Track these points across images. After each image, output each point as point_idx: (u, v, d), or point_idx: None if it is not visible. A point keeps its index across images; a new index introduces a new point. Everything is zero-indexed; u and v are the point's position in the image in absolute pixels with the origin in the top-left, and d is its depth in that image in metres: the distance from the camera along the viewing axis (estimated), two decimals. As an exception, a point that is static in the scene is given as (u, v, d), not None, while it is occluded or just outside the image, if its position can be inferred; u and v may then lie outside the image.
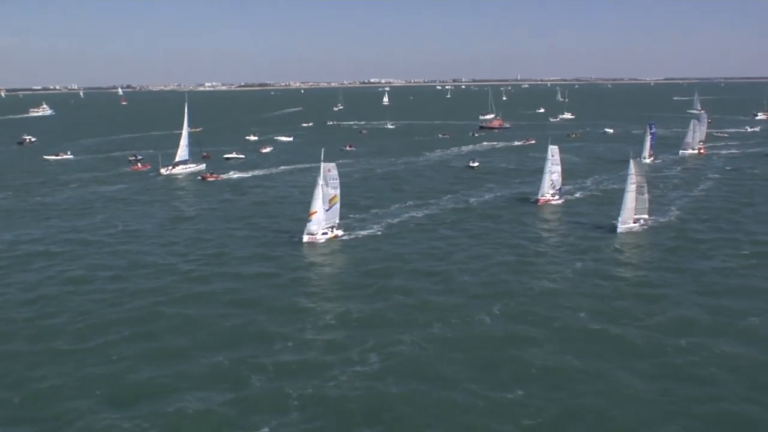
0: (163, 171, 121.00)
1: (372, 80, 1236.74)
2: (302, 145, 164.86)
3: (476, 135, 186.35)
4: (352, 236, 71.71)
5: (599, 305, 49.14)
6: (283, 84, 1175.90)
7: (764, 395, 35.49)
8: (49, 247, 68.02)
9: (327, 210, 71.69)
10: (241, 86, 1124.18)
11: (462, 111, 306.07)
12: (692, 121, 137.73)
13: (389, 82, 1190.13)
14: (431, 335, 43.93)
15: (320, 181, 70.96)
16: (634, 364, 39.39)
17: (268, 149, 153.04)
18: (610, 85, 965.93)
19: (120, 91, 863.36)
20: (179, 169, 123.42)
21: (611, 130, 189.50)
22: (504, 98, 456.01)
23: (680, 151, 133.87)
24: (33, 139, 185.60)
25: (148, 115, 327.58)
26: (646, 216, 75.44)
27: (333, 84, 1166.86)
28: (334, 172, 72.15)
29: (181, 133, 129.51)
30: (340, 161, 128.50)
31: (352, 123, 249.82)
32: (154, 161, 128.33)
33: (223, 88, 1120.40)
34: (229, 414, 34.51)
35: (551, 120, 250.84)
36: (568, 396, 35.94)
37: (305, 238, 70.04)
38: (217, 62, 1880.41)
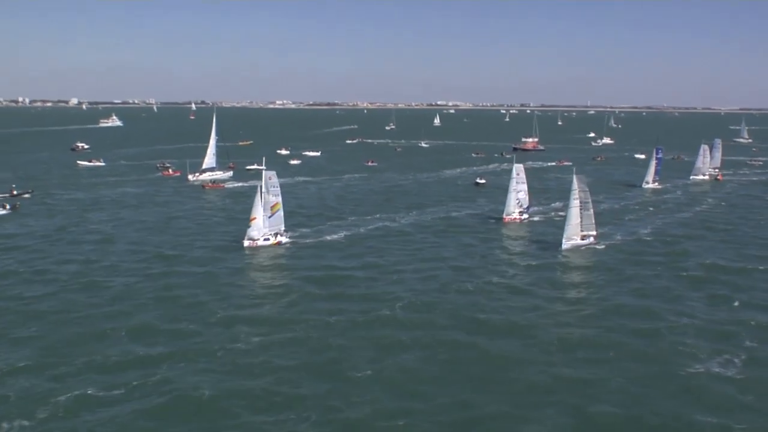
0: (190, 177, 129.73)
1: (439, 102, 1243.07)
2: (327, 160, 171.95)
3: (505, 155, 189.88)
4: (299, 243, 73.56)
5: (493, 319, 49.38)
6: (351, 104, 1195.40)
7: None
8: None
9: (269, 217, 73.41)
10: (309, 104, 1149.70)
11: (510, 134, 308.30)
12: (702, 147, 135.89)
13: (456, 105, 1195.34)
14: (325, 335, 45.72)
15: (261, 189, 73.02)
16: (519, 373, 40.10)
17: (296, 162, 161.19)
18: (677, 114, 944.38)
19: (193, 106, 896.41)
20: (206, 176, 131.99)
21: (643, 156, 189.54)
22: (559, 123, 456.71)
23: (691, 177, 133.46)
24: (86, 146, 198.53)
25: (206, 128, 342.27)
26: (594, 233, 74.29)
27: (400, 105, 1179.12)
28: (275, 180, 74.67)
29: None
30: (356, 175, 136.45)
31: (387, 141, 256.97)
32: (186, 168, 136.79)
33: (293, 105, 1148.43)
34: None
35: (593, 144, 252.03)
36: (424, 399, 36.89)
37: (246, 243, 71.87)
38: (290, 81, 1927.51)
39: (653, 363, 41.87)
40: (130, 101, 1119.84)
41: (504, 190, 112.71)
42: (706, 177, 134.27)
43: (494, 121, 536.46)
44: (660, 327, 47.93)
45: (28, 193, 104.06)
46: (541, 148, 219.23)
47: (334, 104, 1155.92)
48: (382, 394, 37.33)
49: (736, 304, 53.82)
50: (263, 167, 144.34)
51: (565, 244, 72.32)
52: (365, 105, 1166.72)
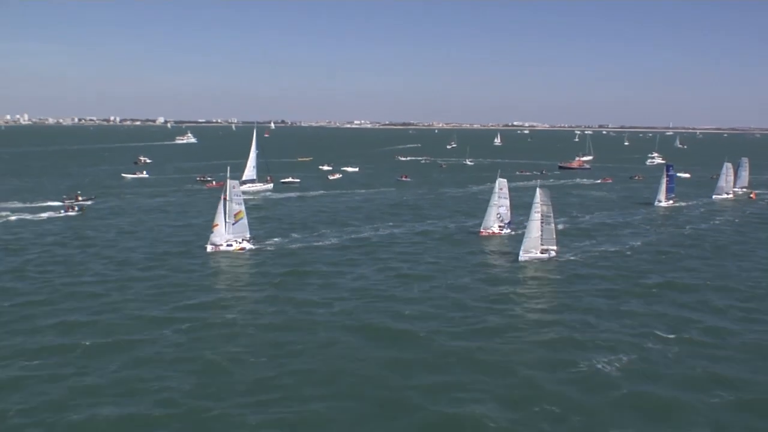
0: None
1: (515, 123, 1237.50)
2: (365, 176, 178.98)
3: (546, 173, 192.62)
4: (266, 250, 76.13)
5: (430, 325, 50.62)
6: (426, 124, 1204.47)
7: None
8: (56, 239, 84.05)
9: (233, 224, 76.43)
10: (385, 124, 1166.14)
11: (570, 153, 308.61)
12: (725, 165, 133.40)
13: (533, 126, 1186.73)
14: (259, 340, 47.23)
15: (225, 197, 76.17)
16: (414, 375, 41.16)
17: (336, 176, 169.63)
18: (758, 135, 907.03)
19: (272, 125, 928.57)
20: (246, 187, 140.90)
21: (687, 175, 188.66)
22: (626, 143, 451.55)
23: (713, 196, 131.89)
24: (148, 160, 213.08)
25: (274, 145, 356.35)
26: (555, 247, 73.84)
27: (475, 126, 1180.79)
28: (238, 189, 77.81)
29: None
30: (383, 189, 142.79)
31: (440, 158, 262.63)
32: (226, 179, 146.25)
33: (369, 125, 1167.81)
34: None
35: (646, 164, 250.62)
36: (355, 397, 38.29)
37: (209, 248, 75.22)
38: (369, 102, 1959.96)
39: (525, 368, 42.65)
40: (214, 120, 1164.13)
41: (520, 206, 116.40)
42: (730, 196, 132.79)
43: (562, 141, 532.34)
44: (558, 337, 48.25)
45: (91, 199, 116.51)
46: (587, 167, 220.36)
47: (409, 124, 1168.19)
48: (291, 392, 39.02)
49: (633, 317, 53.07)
50: (297, 180, 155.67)
51: (523, 257, 72.60)
52: (440, 125, 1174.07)
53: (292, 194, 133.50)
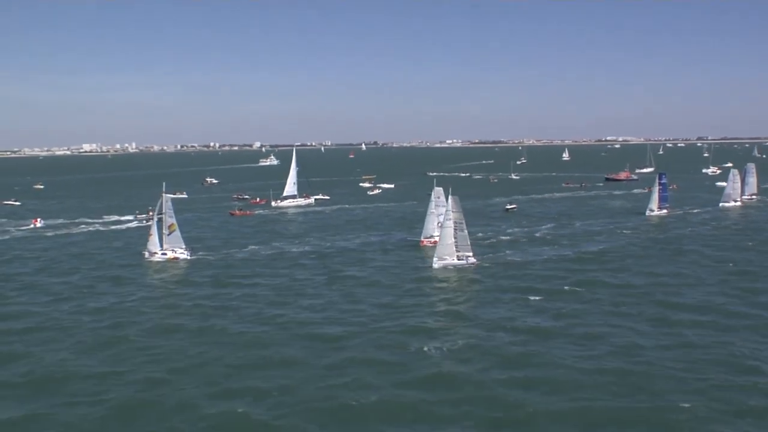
0: (273, 203, 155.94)
1: (608, 138, 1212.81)
2: (397, 191, 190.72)
3: (585, 185, 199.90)
4: (203, 260, 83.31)
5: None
6: (517, 141, 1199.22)
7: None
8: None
9: (167, 235, 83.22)
10: (474, 143, 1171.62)
11: (634, 166, 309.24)
12: (731, 171, 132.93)
13: (626, 140, 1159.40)
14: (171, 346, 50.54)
15: (161, 209, 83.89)
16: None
17: (375, 192, 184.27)
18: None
19: (363, 146, 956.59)
20: (287, 203, 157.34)
21: (724, 183, 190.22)
22: (705, 155, 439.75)
23: (720, 204, 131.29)
24: (215, 181, 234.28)
25: (351, 165, 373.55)
26: (470, 254, 75.30)
27: (567, 142, 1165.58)
28: (170, 204, 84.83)
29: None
30: (404, 203, 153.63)
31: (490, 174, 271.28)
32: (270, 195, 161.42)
33: (458, 144, 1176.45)
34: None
35: (703, 172, 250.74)
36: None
37: (145, 255, 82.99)
38: (461, 121, 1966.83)
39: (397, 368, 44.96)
40: (308, 143, 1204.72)
41: (536, 217, 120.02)
42: (738, 203, 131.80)
43: (636, 155, 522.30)
44: (415, 348, 49.24)
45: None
46: (634, 178, 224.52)
47: (499, 142, 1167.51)
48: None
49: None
50: (327, 197, 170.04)
51: (436, 263, 74.34)
52: (531, 142, 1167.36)
53: (327, 207, 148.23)
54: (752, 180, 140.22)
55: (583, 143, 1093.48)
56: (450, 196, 76.20)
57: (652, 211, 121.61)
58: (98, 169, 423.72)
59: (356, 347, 49.36)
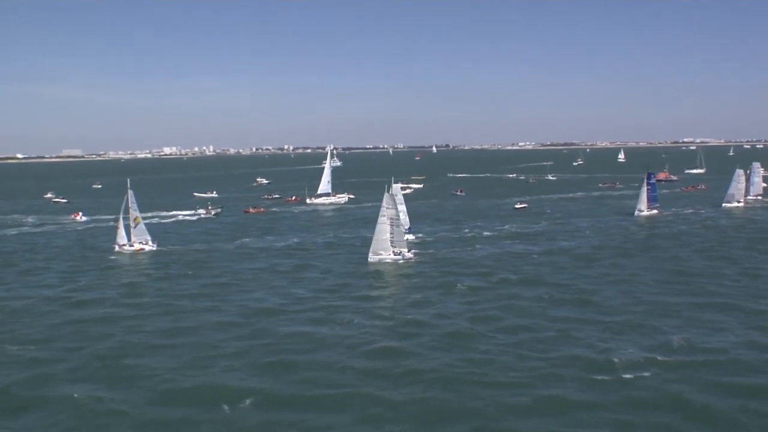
0: (308, 201, 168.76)
1: (685, 139, 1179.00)
2: (424, 191, 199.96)
3: (615, 185, 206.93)
4: (164, 251, 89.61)
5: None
6: (590, 143, 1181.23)
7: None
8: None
9: (133, 228, 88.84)
10: (545, 145, 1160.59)
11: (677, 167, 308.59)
12: (736, 171, 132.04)
13: (704, 142, 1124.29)
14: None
15: (126, 204, 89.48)
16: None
17: (406, 191, 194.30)
18: None
19: (434, 149, 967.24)
20: (321, 200, 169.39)
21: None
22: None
23: (723, 204, 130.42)
24: (265, 182, 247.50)
25: (413, 167, 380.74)
26: (406, 249, 77.03)
27: (641, 144, 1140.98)
28: (133, 198, 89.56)
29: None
30: (423, 201, 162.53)
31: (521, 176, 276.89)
32: (305, 193, 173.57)
33: (530, 147, 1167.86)
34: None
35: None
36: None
37: (115, 247, 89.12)
38: (536, 124, 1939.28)
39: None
40: (380, 146, 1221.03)
41: (538, 216, 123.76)
42: (741, 204, 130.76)
43: (719, 157, 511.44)
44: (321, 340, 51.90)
45: (220, 208, 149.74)
46: (674, 178, 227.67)
47: (572, 144, 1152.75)
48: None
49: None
50: (352, 195, 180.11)
51: (372, 258, 76.34)
52: (604, 144, 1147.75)
53: (355, 205, 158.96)
54: (758, 180, 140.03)
55: (659, 145, 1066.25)
56: (385, 194, 77.57)
57: (641, 211, 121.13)
58: (173, 171, 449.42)
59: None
